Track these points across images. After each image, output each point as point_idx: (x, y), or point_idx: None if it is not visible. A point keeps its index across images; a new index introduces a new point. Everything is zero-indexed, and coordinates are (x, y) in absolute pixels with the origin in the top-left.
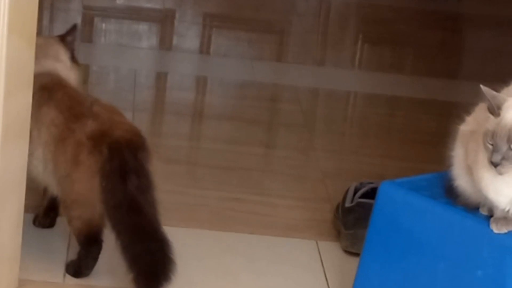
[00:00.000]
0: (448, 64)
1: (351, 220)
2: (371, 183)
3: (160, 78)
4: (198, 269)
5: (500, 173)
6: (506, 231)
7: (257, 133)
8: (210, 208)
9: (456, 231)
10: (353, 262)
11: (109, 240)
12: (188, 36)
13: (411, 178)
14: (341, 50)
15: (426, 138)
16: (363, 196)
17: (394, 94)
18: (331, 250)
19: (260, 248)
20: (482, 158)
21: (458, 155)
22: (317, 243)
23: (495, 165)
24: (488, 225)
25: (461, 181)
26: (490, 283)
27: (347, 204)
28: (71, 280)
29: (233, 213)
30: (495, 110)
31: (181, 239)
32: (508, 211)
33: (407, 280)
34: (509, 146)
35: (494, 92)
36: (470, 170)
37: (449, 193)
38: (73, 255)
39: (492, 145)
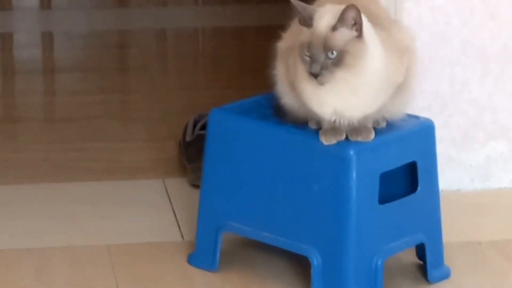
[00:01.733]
0: None
1: (194, 154)
2: None
3: (5, 38)
4: (44, 221)
5: (321, 83)
6: (335, 141)
7: (101, 81)
8: (53, 161)
9: (288, 148)
10: None
11: None
12: None
13: (240, 102)
14: None
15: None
16: (203, 128)
17: (240, 25)
18: (178, 187)
19: (107, 193)
20: (302, 71)
21: (279, 73)
22: (163, 181)
23: (315, 75)
24: (318, 138)
25: (287, 99)
26: (328, 196)
27: (188, 138)
28: None
29: (77, 163)
30: (307, 22)
31: (26, 195)
32: (334, 121)
33: (248, 203)
34: (326, 55)
35: (304, 4)
36: (292, 86)
37: (277, 112)
38: None
39: (309, 56)
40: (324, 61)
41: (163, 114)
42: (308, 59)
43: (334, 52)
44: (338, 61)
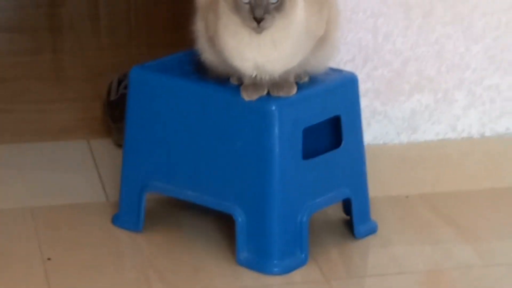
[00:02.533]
0: None
1: (118, 113)
2: None
3: None
4: None
5: (264, 28)
6: (257, 97)
7: (30, 41)
8: None
9: (210, 105)
10: None
11: None
12: None
13: (161, 59)
14: None
15: None
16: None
17: None
18: (103, 147)
19: (31, 155)
20: (223, 26)
21: (199, 29)
22: (88, 142)
23: (259, 20)
24: (239, 94)
25: (207, 54)
26: (251, 152)
27: (112, 97)
28: None
29: (2, 125)
30: None
31: None
32: (255, 76)
33: (171, 162)
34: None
35: None
36: (212, 42)
37: (198, 69)
38: None
39: (249, 2)
40: (267, 6)
41: (91, 74)
42: (247, 6)
43: None
44: (280, 6)
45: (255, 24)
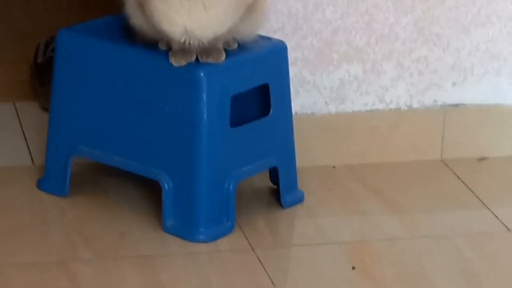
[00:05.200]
0: None
1: (45, 77)
2: None
3: None
4: None
5: None
6: (185, 63)
7: None
8: None
9: (138, 70)
10: None
11: None
12: None
13: (89, 22)
14: None
15: None
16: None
17: None
18: (30, 111)
19: None
20: None
21: None
22: (15, 105)
23: None
24: (168, 60)
25: (136, 19)
26: (179, 119)
27: (39, 60)
28: None
29: None
30: None
31: None
32: (184, 42)
33: (98, 126)
34: None
35: None
36: (141, 7)
37: (127, 33)
38: None
39: None
40: None
41: (19, 37)
42: None
43: None
44: None
45: None
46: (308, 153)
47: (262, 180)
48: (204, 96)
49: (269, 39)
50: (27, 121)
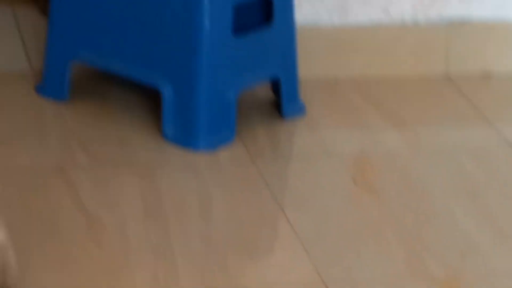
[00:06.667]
0: None
1: None
2: None
3: None
4: None
5: None
6: None
7: None
8: None
9: None
10: None
11: None
12: None
13: None
14: None
15: None
16: None
17: None
18: (29, 15)
19: None
20: None
21: None
22: (13, 9)
23: None
24: None
25: None
26: (181, 25)
27: None
28: None
29: None
30: None
31: None
32: None
33: (98, 31)
34: None
35: None
36: None
37: None
38: None
39: None
40: None
41: None
42: None
43: None
44: None
45: None
46: (310, 65)
47: (264, 93)
48: (207, 3)
49: None
50: (26, 26)
